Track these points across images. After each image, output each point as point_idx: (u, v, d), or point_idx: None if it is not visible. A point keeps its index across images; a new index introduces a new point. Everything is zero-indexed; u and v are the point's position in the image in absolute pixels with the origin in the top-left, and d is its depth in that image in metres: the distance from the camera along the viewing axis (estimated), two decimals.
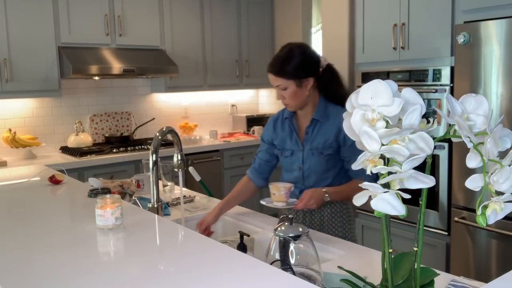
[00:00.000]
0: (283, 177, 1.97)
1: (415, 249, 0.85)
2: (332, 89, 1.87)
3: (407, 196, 0.75)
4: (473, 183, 0.78)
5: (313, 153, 1.86)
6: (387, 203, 0.75)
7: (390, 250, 0.85)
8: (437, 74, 2.89)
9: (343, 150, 1.82)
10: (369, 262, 1.45)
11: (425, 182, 0.75)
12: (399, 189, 0.76)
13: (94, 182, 2.08)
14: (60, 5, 3.65)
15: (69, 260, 1.22)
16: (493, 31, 2.50)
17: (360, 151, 1.84)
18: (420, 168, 0.75)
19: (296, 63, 1.79)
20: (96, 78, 4.00)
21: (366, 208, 0.83)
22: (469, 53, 2.61)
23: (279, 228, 1.15)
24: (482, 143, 0.76)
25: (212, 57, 4.60)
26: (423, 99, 0.79)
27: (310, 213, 1.89)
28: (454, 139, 0.80)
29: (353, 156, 1.78)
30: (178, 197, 2.25)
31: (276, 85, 1.82)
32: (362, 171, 1.90)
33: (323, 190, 1.77)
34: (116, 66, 3.77)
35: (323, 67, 1.84)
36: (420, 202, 0.83)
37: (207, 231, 1.88)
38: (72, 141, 3.87)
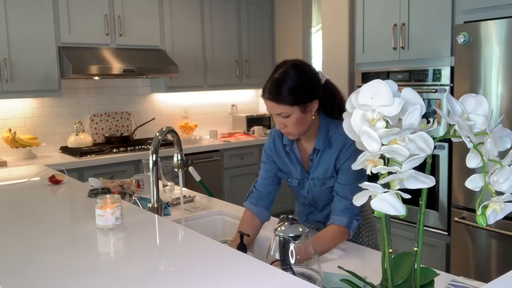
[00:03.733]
0: (295, 200, 1.85)
1: (415, 249, 0.85)
2: (333, 105, 1.65)
3: (407, 196, 0.75)
4: (473, 183, 0.78)
5: (315, 184, 1.67)
6: (387, 203, 0.75)
7: (390, 250, 0.85)
8: (437, 74, 2.89)
9: (339, 174, 1.62)
10: (369, 262, 1.45)
11: (425, 182, 0.75)
12: (399, 189, 0.76)
13: (94, 182, 2.08)
14: (60, 5, 3.65)
15: (69, 260, 1.22)
16: (493, 31, 2.50)
17: (350, 180, 1.60)
18: (420, 168, 0.75)
19: (298, 85, 1.52)
20: (96, 78, 4.00)
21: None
22: (469, 53, 2.61)
23: (279, 228, 1.15)
24: (482, 143, 0.76)
25: (212, 57, 4.61)
26: (423, 99, 0.79)
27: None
28: (454, 139, 0.80)
29: (343, 184, 1.59)
30: (178, 197, 2.25)
31: (277, 113, 1.55)
32: (342, 210, 1.57)
33: None
34: (116, 66, 3.77)
35: (322, 84, 1.61)
36: (420, 202, 0.82)
37: None
38: (72, 141, 3.88)
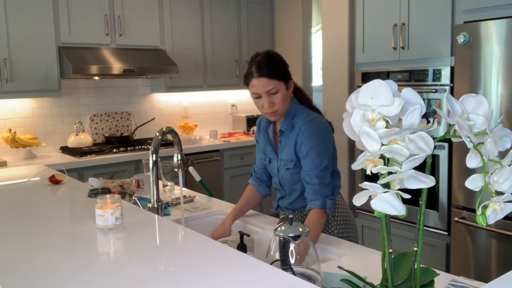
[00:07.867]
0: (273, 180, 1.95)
1: (415, 249, 0.85)
2: (304, 95, 1.84)
3: (407, 196, 0.75)
4: (473, 183, 0.78)
5: (281, 165, 1.82)
6: (387, 203, 0.75)
7: (390, 250, 0.85)
8: (437, 74, 2.89)
9: (301, 161, 1.73)
10: (369, 262, 1.45)
11: (425, 182, 0.75)
12: (399, 189, 0.76)
13: (94, 182, 2.08)
14: (60, 5, 3.65)
15: (69, 260, 1.22)
16: (493, 31, 2.50)
17: (313, 165, 1.72)
18: (420, 168, 0.75)
19: (281, 64, 1.73)
20: (96, 78, 4.00)
21: (366, 208, 0.83)
22: (469, 53, 2.61)
23: (279, 228, 1.15)
24: (482, 143, 0.76)
25: (212, 57, 4.61)
26: (423, 99, 0.79)
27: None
28: (454, 139, 0.80)
29: (308, 171, 1.70)
30: (178, 197, 2.25)
31: (268, 90, 1.68)
32: (312, 194, 1.67)
33: None
34: (116, 66, 3.77)
35: None
36: (420, 202, 0.83)
37: None
38: (72, 141, 3.88)
